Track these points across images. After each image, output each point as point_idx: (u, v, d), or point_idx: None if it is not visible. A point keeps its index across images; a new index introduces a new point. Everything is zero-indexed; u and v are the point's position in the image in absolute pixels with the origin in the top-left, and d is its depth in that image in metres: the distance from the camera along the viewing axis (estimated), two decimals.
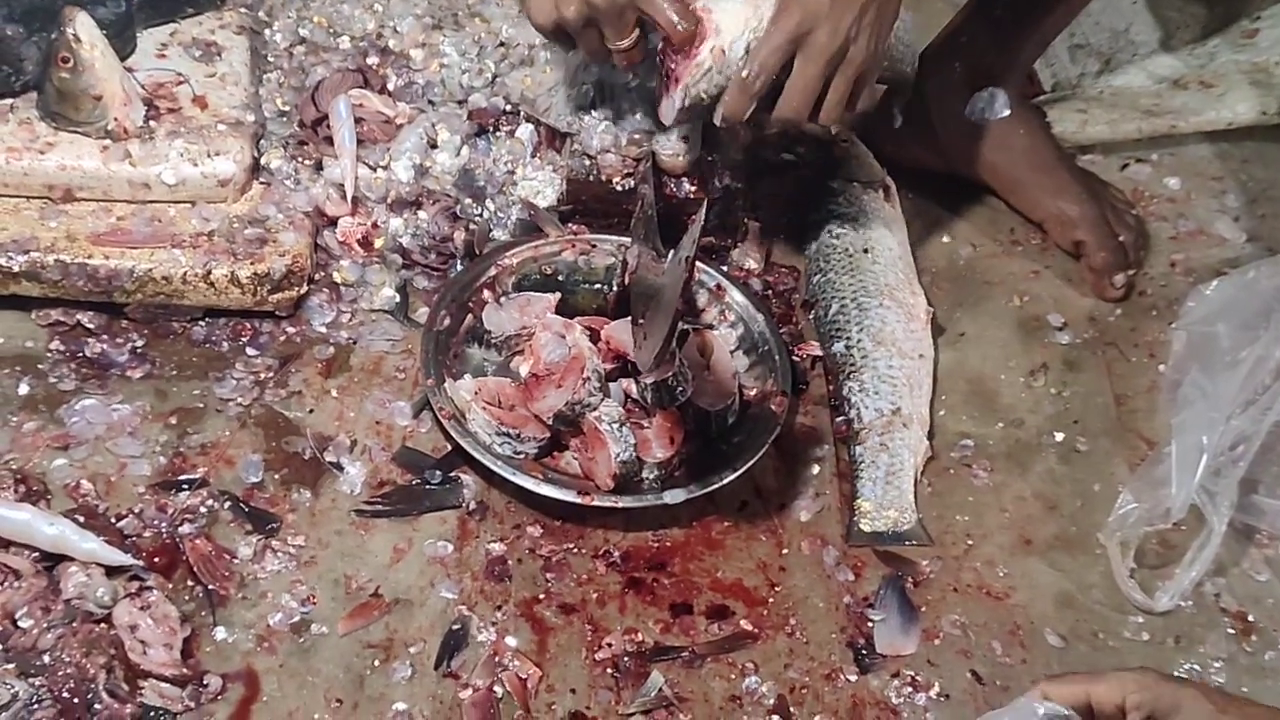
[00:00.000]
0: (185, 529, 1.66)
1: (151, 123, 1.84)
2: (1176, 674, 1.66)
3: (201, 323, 1.86)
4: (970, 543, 1.79)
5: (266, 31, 2.07)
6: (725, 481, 1.73)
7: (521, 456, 1.74)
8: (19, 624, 1.52)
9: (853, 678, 1.65)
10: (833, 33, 1.63)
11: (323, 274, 1.92)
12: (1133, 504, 1.77)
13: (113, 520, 1.65)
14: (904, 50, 2.16)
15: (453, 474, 1.77)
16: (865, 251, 2.00)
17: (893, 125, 2.15)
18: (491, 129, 1.98)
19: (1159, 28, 2.40)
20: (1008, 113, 2.08)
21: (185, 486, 1.70)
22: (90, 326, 1.83)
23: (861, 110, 1.76)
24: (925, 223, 2.15)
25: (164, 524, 1.66)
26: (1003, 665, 1.68)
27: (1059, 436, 1.91)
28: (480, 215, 1.94)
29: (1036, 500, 1.84)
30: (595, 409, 1.71)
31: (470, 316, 1.86)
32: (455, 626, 1.63)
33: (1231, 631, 1.73)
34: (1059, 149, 2.15)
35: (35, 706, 1.46)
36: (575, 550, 1.73)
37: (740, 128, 1.81)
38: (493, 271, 1.89)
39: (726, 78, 1.70)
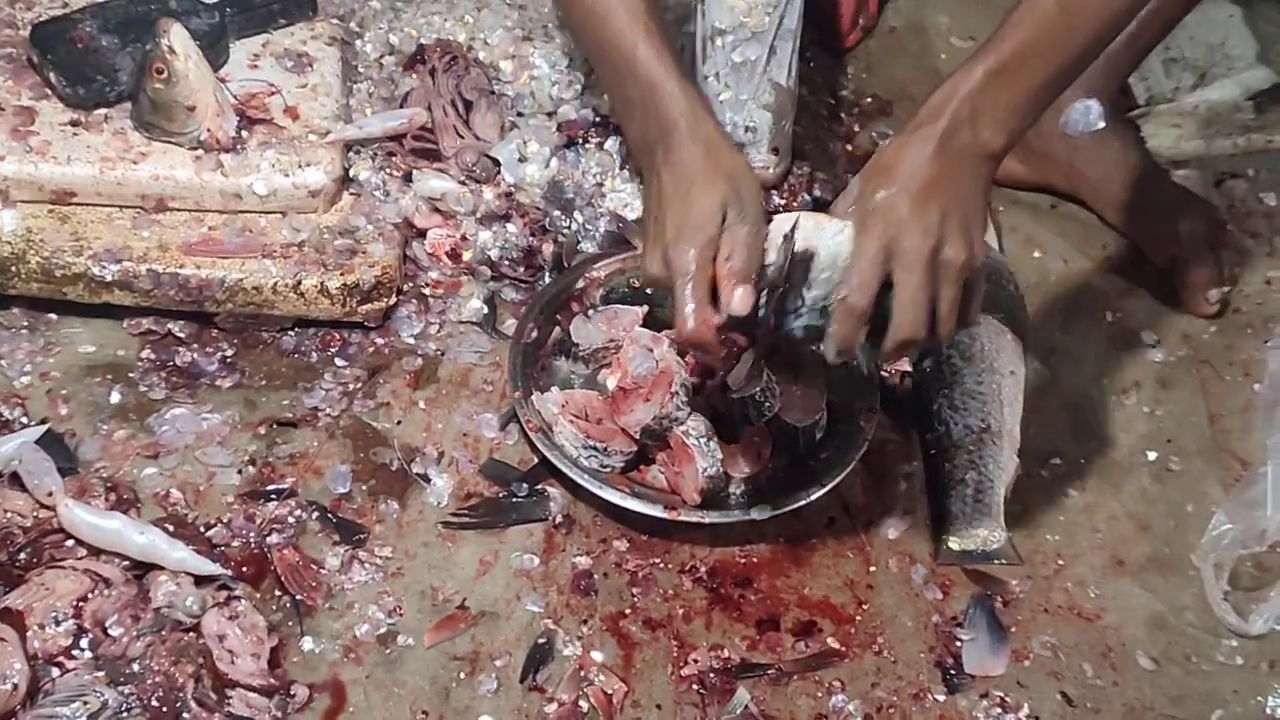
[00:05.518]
0: (273, 539, 1.67)
1: (244, 133, 1.85)
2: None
3: (291, 333, 1.87)
4: (1061, 563, 1.77)
5: (358, 42, 2.08)
6: (813, 498, 1.73)
7: (608, 470, 1.73)
8: (109, 632, 1.53)
9: (941, 698, 1.64)
10: (923, 233, 1.48)
11: (411, 285, 1.92)
12: (1227, 525, 1.75)
13: (202, 529, 1.66)
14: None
15: (539, 487, 1.77)
16: None
17: None
18: (581, 141, 1.99)
19: (1255, 41, 2.37)
20: (1102, 126, 2.05)
21: (274, 496, 1.71)
22: (181, 336, 1.84)
23: (975, 321, 1.58)
24: (1017, 237, 2.13)
25: (252, 534, 1.67)
26: (1094, 687, 1.66)
27: (1152, 455, 1.89)
28: (568, 228, 1.94)
29: (1129, 520, 1.82)
30: (683, 423, 1.70)
31: (558, 329, 1.86)
32: (541, 640, 1.63)
33: None
34: (1153, 163, 2.13)
35: (124, 714, 1.47)
36: (661, 565, 1.72)
37: (857, 357, 1.73)
38: (581, 284, 1.89)
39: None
